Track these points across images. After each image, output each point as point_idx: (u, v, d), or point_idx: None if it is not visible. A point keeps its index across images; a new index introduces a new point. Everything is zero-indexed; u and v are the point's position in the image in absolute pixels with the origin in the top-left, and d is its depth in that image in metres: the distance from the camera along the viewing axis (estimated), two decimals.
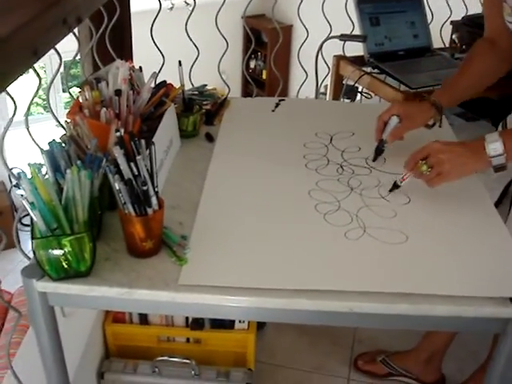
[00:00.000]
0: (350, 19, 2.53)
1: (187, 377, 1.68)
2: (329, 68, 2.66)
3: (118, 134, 1.05)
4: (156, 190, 1.07)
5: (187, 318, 1.73)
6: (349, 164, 1.47)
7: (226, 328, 1.75)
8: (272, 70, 6.57)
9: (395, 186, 1.35)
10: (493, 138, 1.22)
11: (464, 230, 1.25)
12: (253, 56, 6.97)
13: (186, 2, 4.83)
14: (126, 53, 2.01)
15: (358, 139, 1.59)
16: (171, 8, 4.70)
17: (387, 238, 1.20)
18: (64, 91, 5.86)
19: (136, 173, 1.04)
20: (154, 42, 2.14)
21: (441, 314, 1.06)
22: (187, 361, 1.67)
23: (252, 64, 7.06)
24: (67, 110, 1.34)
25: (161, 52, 2.15)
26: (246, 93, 6.80)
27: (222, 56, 2.43)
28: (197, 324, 1.69)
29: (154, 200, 1.06)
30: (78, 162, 1.06)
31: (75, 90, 1.43)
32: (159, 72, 2.02)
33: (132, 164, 1.03)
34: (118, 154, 1.01)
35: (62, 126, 1.69)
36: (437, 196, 1.35)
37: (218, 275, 1.08)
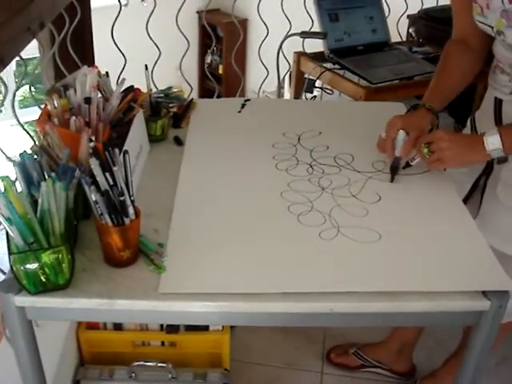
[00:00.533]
0: (310, 16, 2.56)
1: (164, 380, 1.68)
2: (289, 64, 2.68)
3: (92, 144, 1.04)
4: (132, 199, 1.07)
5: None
6: (318, 163, 1.49)
7: (200, 330, 1.75)
8: (228, 65, 6.57)
9: (407, 165, 1.43)
10: (491, 132, 1.30)
11: (434, 227, 1.28)
12: (208, 50, 6.94)
13: None
14: (87, 54, 1.98)
15: (325, 138, 1.61)
16: (126, 4, 4.65)
17: (361, 237, 1.22)
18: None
19: (112, 183, 1.04)
20: (116, 44, 2.12)
21: (418, 310, 1.09)
22: (164, 364, 1.66)
23: (208, 59, 7.03)
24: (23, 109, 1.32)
25: (123, 54, 2.13)
26: (203, 88, 6.78)
27: (183, 56, 2.43)
28: (172, 327, 1.69)
29: (130, 210, 1.06)
30: (53, 174, 1.04)
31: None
32: (121, 73, 2.02)
33: (107, 174, 1.03)
34: (94, 165, 1.00)
35: (27, 132, 1.67)
36: (406, 193, 1.38)
37: (198, 282, 1.08)
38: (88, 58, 1.98)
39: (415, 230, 1.26)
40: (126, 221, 1.06)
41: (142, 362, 1.67)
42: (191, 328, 1.74)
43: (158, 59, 2.20)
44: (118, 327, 1.74)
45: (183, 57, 2.34)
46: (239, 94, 2.67)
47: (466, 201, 1.55)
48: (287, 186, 1.38)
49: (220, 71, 6.87)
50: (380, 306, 1.08)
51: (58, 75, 1.90)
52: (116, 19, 2.09)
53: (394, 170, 1.43)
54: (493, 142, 1.29)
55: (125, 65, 2.13)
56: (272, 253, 1.17)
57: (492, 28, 1.35)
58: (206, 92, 6.56)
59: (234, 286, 1.07)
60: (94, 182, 1.03)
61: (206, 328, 1.75)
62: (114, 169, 1.01)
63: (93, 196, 1.02)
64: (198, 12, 6.47)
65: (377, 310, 1.09)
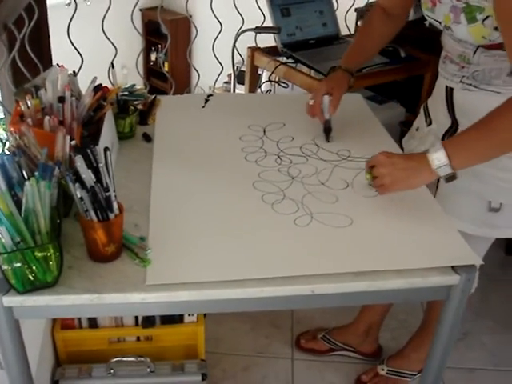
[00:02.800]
0: (261, 10, 2.60)
1: (143, 375, 1.70)
2: (243, 59, 2.72)
3: (73, 142, 1.06)
4: (115, 193, 1.09)
5: (136, 317, 1.74)
6: (285, 154, 1.54)
7: (175, 323, 1.78)
8: (174, 62, 6.55)
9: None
10: (435, 148, 1.23)
11: (402, 209, 1.34)
12: (153, 48, 6.90)
13: None
14: (45, 54, 1.98)
15: (289, 129, 1.66)
16: (69, 4, 4.59)
17: (334, 222, 1.28)
18: None
19: (95, 179, 1.06)
20: (72, 44, 2.12)
21: (393, 287, 1.15)
22: (142, 359, 1.69)
23: (153, 57, 7.00)
24: None
25: (80, 54, 2.13)
26: (151, 86, 6.72)
27: (138, 55, 2.44)
28: (148, 322, 1.71)
29: (115, 205, 1.08)
30: (36, 173, 1.06)
31: None
32: (78, 71, 2.02)
33: (90, 171, 1.05)
34: (79, 162, 1.02)
35: None
36: None
37: (183, 272, 1.11)
38: (46, 58, 1.98)
39: (384, 213, 1.32)
40: (111, 216, 1.08)
41: (120, 358, 1.68)
42: (166, 321, 1.77)
43: (114, 57, 2.19)
44: (93, 325, 1.75)
45: (139, 54, 2.35)
46: (186, 91, 2.69)
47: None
48: (258, 177, 1.43)
49: (166, 68, 6.85)
50: (358, 286, 1.14)
51: (16, 77, 1.89)
52: (71, 20, 2.09)
53: (328, 131, 1.60)
54: (438, 158, 1.22)
55: (81, 64, 2.13)
56: (251, 240, 1.21)
57: (440, 23, 1.42)
58: (153, 90, 6.50)
59: (217, 275, 1.11)
60: (78, 179, 1.05)
61: (180, 320, 1.78)
62: (100, 165, 1.03)
63: (78, 193, 1.04)
64: (141, 10, 6.44)
65: (355, 290, 1.14)
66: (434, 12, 1.41)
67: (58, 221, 1.15)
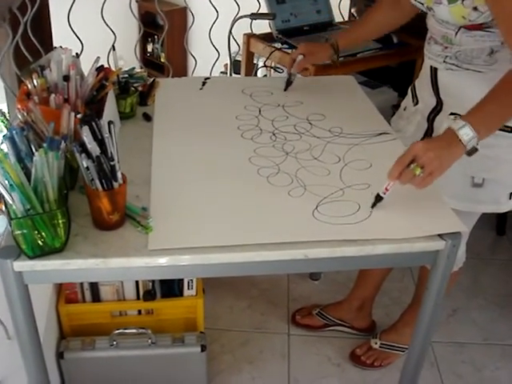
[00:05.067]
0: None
1: (144, 346, 1.77)
2: (239, 46, 2.77)
3: (79, 115, 1.12)
4: (119, 164, 1.15)
5: (138, 291, 1.81)
6: (280, 131, 1.60)
7: (175, 296, 1.85)
8: (170, 53, 6.59)
9: (378, 199, 1.31)
10: (460, 125, 1.27)
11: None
12: (149, 40, 6.94)
13: None
14: (46, 39, 2.03)
15: (283, 109, 1.72)
16: None
17: (326, 194, 1.34)
18: None
19: (100, 150, 1.12)
20: (72, 30, 2.17)
21: (381, 252, 1.22)
22: (143, 330, 1.75)
23: (149, 48, 7.04)
24: None
25: (79, 39, 2.19)
26: (148, 76, 6.76)
27: (136, 43, 2.49)
28: (149, 295, 1.78)
29: (119, 174, 1.15)
30: (45, 145, 1.12)
31: None
32: (79, 56, 2.07)
33: (96, 142, 1.11)
34: (86, 133, 1.08)
35: None
36: (363, 155, 1.51)
37: (183, 238, 1.18)
38: (47, 43, 2.04)
39: (374, 185, 1.38)
40: (115, 185, 1.15)
41: (122, 330, 1.75)
42: (167, 294, 1.83)
43: (114, 41, 2.24)
44: (95, 299, 1.81)
45: (137, 41, 2.40)
46: None
47: None
48: (254, 152, 1.49)
49: (162, 60, 6.89)
50: (349, 251, 1.20)
51: (18, 61, 1.94)
52: (71, 8, 2.14)
53: (288, 83, 1.84)
54: (467, 133, 1.26)
55: (82, 49, 2.18)
56: (248, 209, 1.28)
57: (423, 4, 1.48)
58: None
59: (217, 240, 1.18)
60: (84, 150, 1.11)
61: (180, 294, 1.84)
62: (106, 135, 1.09)
63: (84, 163, 1.10)
64: (137, 1, 6.48)
65: (346, 255, 1.21)
66: None
67: (65, 191, 1.21)
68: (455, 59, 1.49)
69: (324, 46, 1.78)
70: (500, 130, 1.46)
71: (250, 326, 2.26)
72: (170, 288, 1.82)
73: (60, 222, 1.11)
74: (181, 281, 1.81)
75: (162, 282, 1.81)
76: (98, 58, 1.42)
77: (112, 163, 1.11)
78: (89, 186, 1.14)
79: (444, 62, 1.52)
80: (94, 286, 1.78)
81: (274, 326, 2.27)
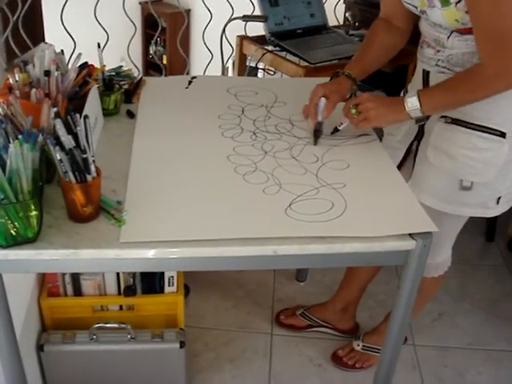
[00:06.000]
0: (251, 0, 2.68)
1: (124, 341, 1.78)
2: (233, 48, 2.80)
3: (55, 109, 1.14)
4: (93, 158, 1.17)
5: (119, 287, 1.83)
6: (261, 131, 1.62)
7: (156, 292, 1.86)
8: (172, 55, 6.61)
9: (335, 130, 1.60)
10: (411, 94, 1.45)
11: (367, 182, 1.42)
12: (152, 41, 6.98)
13: None
14: (38, 38, 2.06)
15: (267, 109, 1.74)
16: None
17: (301, 192, 1.36)
18: None
19: (74, 143, 1.14)
20: (64, 26, 2.20)
21: (351, 250, 1.23)
22: (123, 325, 1.77)
23: (152, 49, 7.08)
24: None
25: (71, 37, 2.22)
26: None
27: (130, 42, 2.53)
28: (130, 290, 1.80)
29: (92, 167, 1.17)
30: (20, 137, 1.14)
31: None
32: (71, 56, 2.10)
33: (70, 136, 1.13)
34: (59, 126, 1.10)
35: None
36: (342, 155, 1.52)
37: (155, 232, 1.20)
38: (39, 41, 2.06)
39: (349, 185, 1.40)
40: (89, 178, 1.17)
41: (102, 324, 1.77)
42: (147, 291, 1.85)
43: (105, 43, 2.28)
44: (77, 293, 1.83)
45: (131, 39, 2.43)
46: None
47: (401, 165, 1.71)
48: (233, 151, 1.51)
49: (164, 61, 6.93)
50: (318, 248, 1.22)
51: (9, 58, 1.97)
52: (64, 7, 2.17)
53: (317, 134, 1.59)
54: (412, 102, 1.44)
55: (74, 48, 2.21)
56: (221, 205, 1.30)
57: (416, 8, 1.50)
58: None
59: (188, 234, 1.20)
60: (58, 143, 1.13)
61: (161, 290, 1.86)
62: (78, 128, 1.11)
63: (58, 155, 1.12)
64: (140, 3, 6.52)
65: (316, 252, 1.22)
66: None
67: (40, 183, 1.24)
68: (447, 62, 1.51)
69: (340, 80, 1.64)
70: (490, 133, 1.49)
71: (234, 326, 2.28)
72: (151, 284, 1.84)
73: (33, 212, 1.13)
74: (162, 277, 1.83)
75: (143, 278, 1.83)
76: (80, 54, 1.45)
77: (85, 156, 1.13)
78: (63, 178, 1.16)
79: (436, 65, 1.54)
80: (76, 280, 1.80)
81: (257, 325, 2.29)
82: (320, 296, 2.37)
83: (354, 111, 1.51)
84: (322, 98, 1.58)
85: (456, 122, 1.52)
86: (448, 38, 1.48)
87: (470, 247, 2.84)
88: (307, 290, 2.47)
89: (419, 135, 1.66)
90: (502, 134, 1.48)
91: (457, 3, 1.37)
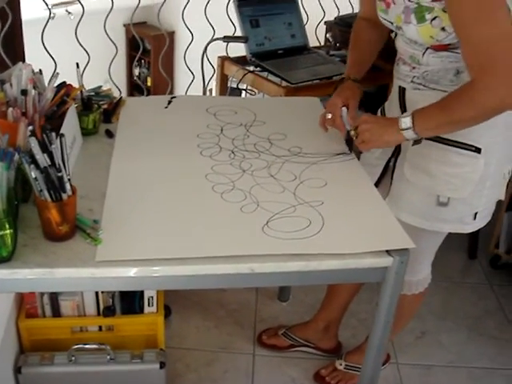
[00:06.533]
0: (232, 22, 2.71)
1: (103, 362, 1.77)
2: (214, 69, 2.82)
3: (30, 127, 1.14)
4: (68, 177, 1.17)
5: (98, 307, 1.82)
6: (239, 150, 1.62)
7: (136, 313, 1.85)
8: (156, 76, 6.64)
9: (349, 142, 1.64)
10: (406, 114, 1.44)
11: (344, 199, 1.43)
12: (137, 63, 7.01)
13: (67, 11, 4.84)
14: (18, 57, 2.06)
15: (245, 128, 1.75)
16: (53, 17, 4.69)
17: (278, 210, 1.36)
18: None
19: (49, 162, 1.14)
20: (45, 47, 2.21)
21: (329, 268, 1.23)
22: (103, 346, 1.75)
23: (136, 71, 7.10)
24: None
25: (53, 58, 2.22)
26: None
27: (112, 61, 2.54)
28: (109, 311, 1.78)
29: (67, 186, 1.16)
30: None
31: None
32: (52, 77, 2.11)
33: (45, 154, 1.13)
34: (33, 144, 1.10)
35: None
36: (320, 173, 1.53)
37: (131, 251, 1.20)
38: (19, 60, 2.06)
39: (327, 202, 1.40)
40: (64, 196, 1.16)
41: (81, 345, 1.75)
42: (127, 311, 1.84)
43: (86, 64, 2.29)
44: (56, 314, 1.82)
45: (112, 60, 2.44)
46: None
47: (378, 182, 1.73)
48: (211, 170, 1.51)
49: (149, 83, 6.95)
50: (296, 266, 1.22)
51: None
52: (44, 28, 2.18)
53: (350, 142, 1.64)
54: (405, 122, 1.42)
55: (55, 69, 2.22)
56: (198, 224, 1.30)
57: (392, 23, 1.52)
58: None
59: (163, 252, 1.19)
60: (34, 162, 1.13)
61: (141, 311, 1.85)
62: (53, 146, 1.11)
63: (33, 173, 1.12)
64: (124, 25, 6.55)
65: (292, 269, 1.22)
66: (388, 13, 1.51)
67: (16, 202, 1.23)
68: (422, 79, 1.53)
69: (349, 84, 1.68)
70: (466, 149, 1.50)
71: (215, 346, 2.26)
72: (131, 305, 1.83)
73: (7, 231, 1.12)
74: (141, 298, 1.82)
75: (123, 298, 1.82)
76: (57, 73, 1.45)
77: (60, 174, 1.13)
78: (38, 196, 1.16)
79: (412, 81, 1.56)
80: (54, 301, 1.78)
81: (239, 346, 2.27)
82: (303, 315, 2.37)
83: (352, 133, 1.53)
84: (343, 108, 1.61)
85: (432, 138, 1.53)
86: (423, 54, 1.50)
87: (452, 265, 2.85)
88: (290, 310, 2.47)
89: (396, 152, 1.68)
90: (478, 150, 1.50)
91: (432, 20, 1.39)
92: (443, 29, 1.39)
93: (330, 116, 1.64)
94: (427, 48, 1.48)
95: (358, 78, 1.69)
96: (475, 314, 2.56)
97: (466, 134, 1.48)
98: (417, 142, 1.52)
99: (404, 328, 2.10)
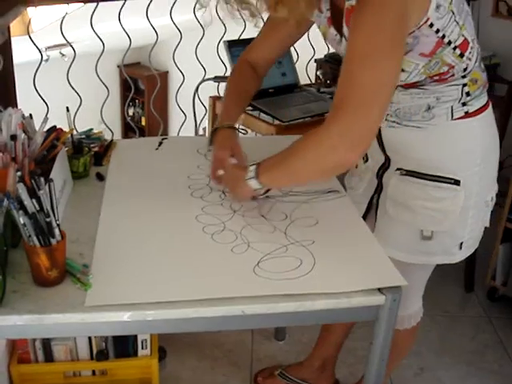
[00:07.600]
0: (223, 62, 2.74)
1: None
2: (206, 109, 2.85)
3: (19, 173, 1.15)
4: (57, 222, 1.17)
5: (91, 351, 1.80)
6: None
7: (129, 356, 1.83)
8: (151, 116, 6.70)
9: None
10: (250, 175, 1.42)
11: (335, 238, 1.43)
12: (131, 104, 7.07)
13: (61, 53, 4.90)
14: (10, 102, 2.08)
15: None
16: (47, 60, 4.74)
17: (269, 250, 1.36)
18: None
19: (38, 207, 1.14)
20: (37, 90, 2.23)
21: (321, 307, 1.23)
22: None
23: (131, 111, 7.17)
24: None
25: (44, 101, 2.24)
26: None
27: (104, 103, 2.56)
28: (102, 355, 1.77)
29: (56, 231, 1.16)
30: None
31: None
32: (45, 118, 2.12)
33: (34, 200, 1.13)
34: (21, 190, 1.11)
35: None
36: (311, 212, 1.53)
37: (121, 295, 1.19)
38: (11, 105, 2.08)
39: (318, 241, 1.40)
40: (53, 241, 1.16)
41: None
42: (120, 354, 1.82)
43: (79, 107, 2.31)
44: (49, 359, 1.80)
45: (104, 101, 2.46)
46: None
47: (364, 219, 1.72)
48: (201, 211, 1.52)
49: (143, 123, 7.01)
50: (288, 306, 1.21)
51: None
52: (36, 71, 2.21)
53: None
54: (251, 171, 1.42)
55: (47, 112, 2.23)
56: (188, 266, 1.30)
57: None
58: None
59: (153, 296, 1.19)
60: (22, 207, 1.13)
61: (134, 354, 1.83)
62: (40, 192, 1.11)
63: (21, 219, 1.12)
64: (118, 66, 6.63)
65: (284, 310, 1.21)
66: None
67: (5, 248, 1.23)
68: (395, 117, 1.53)
69: (227, 133, 1.67)
70: (445, 182, 1.50)
71: None
72: (124, 348, 1.82)
73: None
74: (135, 341, 1.80)
75: (116, 341, 1.80)
76: (47, 118, 1.46)
77: (48, 220, 1.13)
78: (27, 242, 1.16)
79: (386, 120, 1.57)
80: (47, 346, 1.77)
81: None
82: (300, 354, 2.34)
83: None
84: (232, 159, 1.60)
85: (410, 173, 1.53)
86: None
87: (449, 298, 2.84)
88: (286, 349, 2.44)
89: (378, 189, 1.68)
90: (457, 182, 1.50)
91: None
92: (402, 70, 1.38)
93: (222, 172, 1.61)
94: (396, 86, 1.49)
95: (233, 124, 1.70)
96: (474, 348, 2.54)
97: (444, 167, 1.49)
98: (265, 193, 1.51)
99: (398, 364, 2.08)
